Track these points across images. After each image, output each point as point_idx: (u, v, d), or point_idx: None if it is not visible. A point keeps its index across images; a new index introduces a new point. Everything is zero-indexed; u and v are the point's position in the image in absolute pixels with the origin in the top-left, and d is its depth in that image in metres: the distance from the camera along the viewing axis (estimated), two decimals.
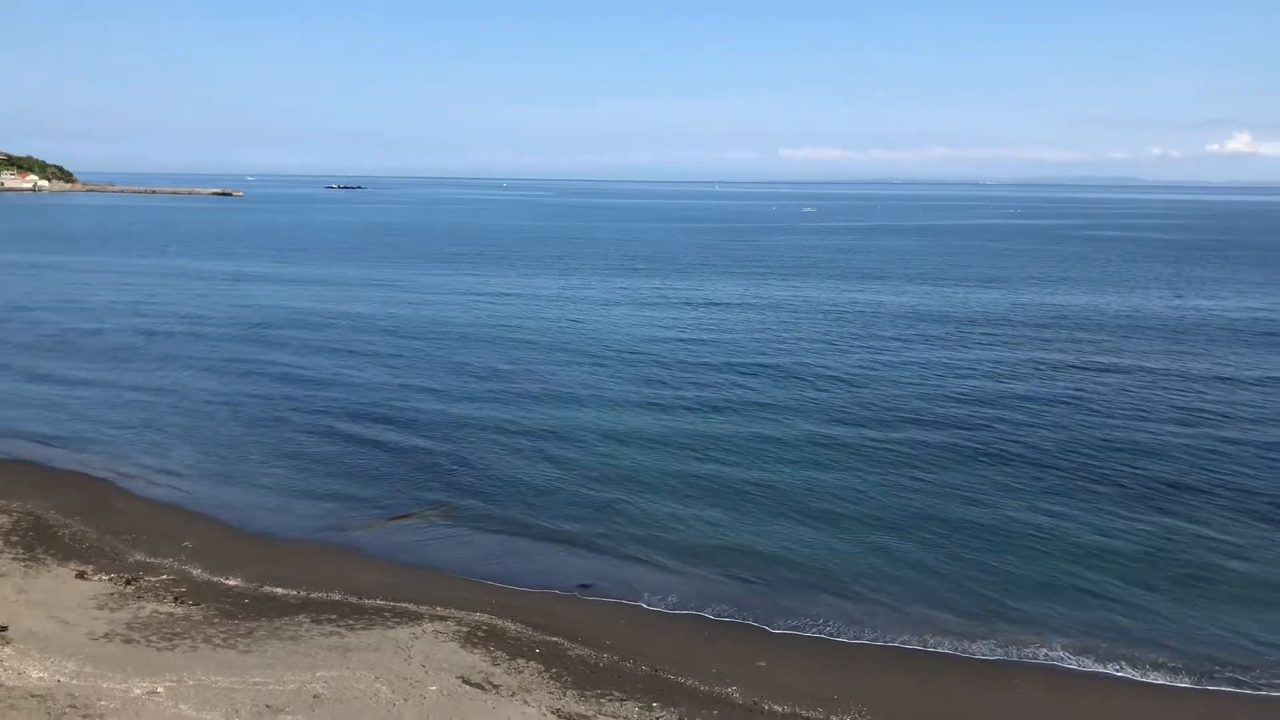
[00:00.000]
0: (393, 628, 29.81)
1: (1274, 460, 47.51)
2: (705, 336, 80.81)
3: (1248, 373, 67.35)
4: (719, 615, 32.31)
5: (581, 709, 25.23)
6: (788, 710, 25.96)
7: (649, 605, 33.01)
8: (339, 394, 60.72)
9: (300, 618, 30.44)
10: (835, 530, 39.11)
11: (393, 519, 40.76)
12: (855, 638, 30.95)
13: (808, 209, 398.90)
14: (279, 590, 32.87)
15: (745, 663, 28.82)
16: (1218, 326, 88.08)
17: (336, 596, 32.43)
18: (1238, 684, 28.16)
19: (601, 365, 68.86)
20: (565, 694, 26.08)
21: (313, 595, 32.49)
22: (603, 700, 25.85)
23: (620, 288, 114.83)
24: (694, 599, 33.60)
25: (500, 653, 28.47)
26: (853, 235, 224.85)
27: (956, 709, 26.41)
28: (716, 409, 56.75)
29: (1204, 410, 57.04)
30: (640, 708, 25.52)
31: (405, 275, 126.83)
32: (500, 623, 30.75)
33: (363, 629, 29.67)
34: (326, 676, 26.08)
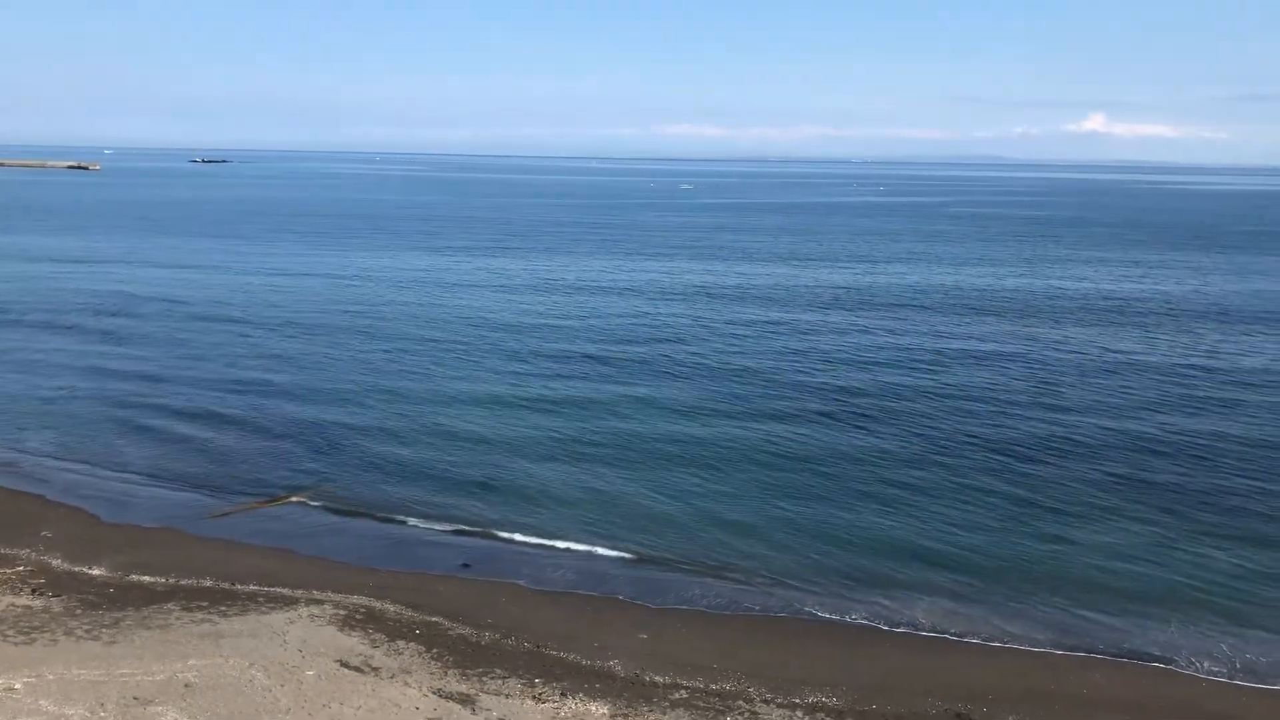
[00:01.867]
0: (267, 613, 29.15)
1: (1124, 433, 50.04)
2: (577, 316, 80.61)
3: (1101, 347, 70.72)
4: (600, 591, 32.54)
5: (463, 688, 25.15)
6: (669, 680, 26.36)
7: (530, 583, 33.04)
8: (204, 376, 58.81)
9: (170, 606, 29.51)
10: (712, 504, 39.73)
11: (265, 503, 39.78)
12: (733, 609, 31.57)
13: (686, 186, 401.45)
14: (146, 578, 31.79)
15: (627, 636, 29.13)
16: (1071, 302, 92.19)
17: (208, 583, 31.54)
18: (1093, 649, 29.69)
19: (472, 345, 68.26)
20: (447, 674, 25.95)
21: (182, 582, 31.53)
22: (485, 679, 25.81)
23: (492, 267, 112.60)
24: (575, 576, 33.77)
25: (379, 635, 28.14)
26: (729, 213, 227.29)
27: (827, 673, 27.18)
28: (590, 390, 56.83)
29: (1060, 384, 59.73)
30: (523, 684, 25.58)
31: (272, 253, 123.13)
32: (379, 604, 30.38)
33: (236, 615, 28.94)
34: (198, 665, 25.38)
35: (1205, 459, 45.19)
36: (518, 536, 36.75)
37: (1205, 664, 28.25)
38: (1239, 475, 43.08)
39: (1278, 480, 42.47)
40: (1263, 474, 43.21)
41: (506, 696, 24.90)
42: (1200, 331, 76.04)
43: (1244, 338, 73.81)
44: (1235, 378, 60.75)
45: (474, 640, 28.34)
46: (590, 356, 65.00)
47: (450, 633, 28.73)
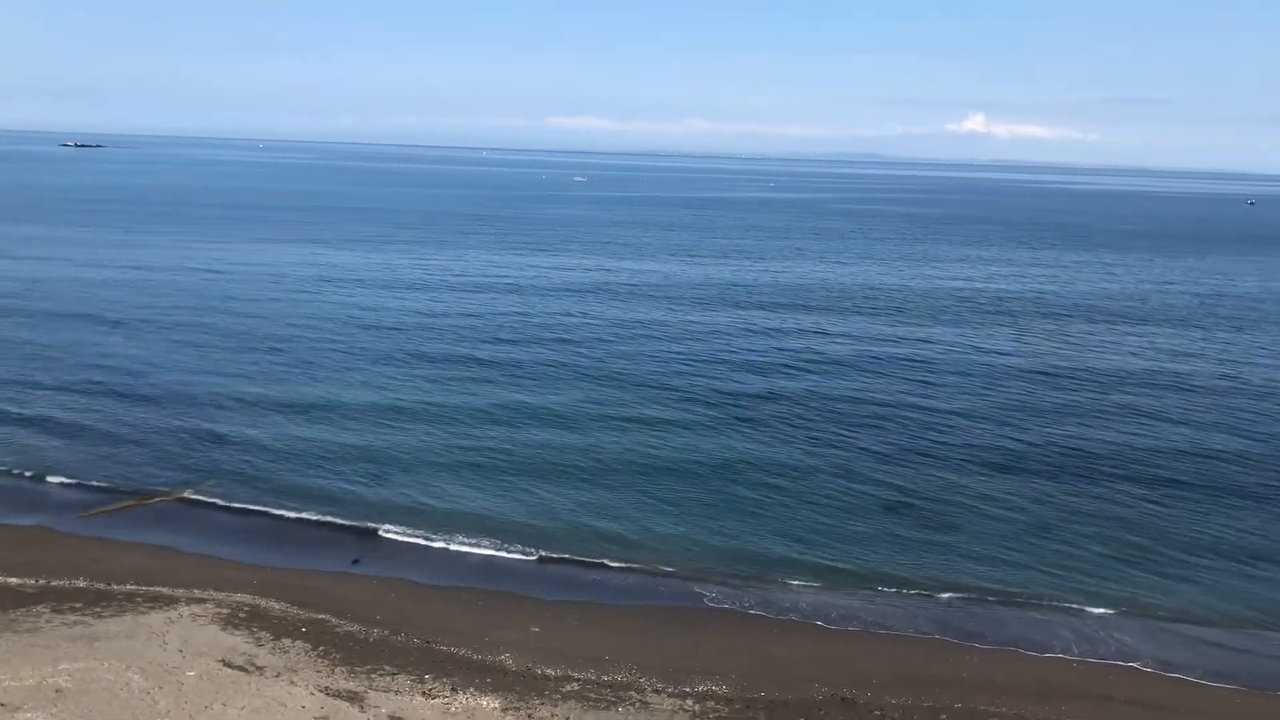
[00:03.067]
0: (146, 613, 28.24)
1: (996, 427, 51.88)
2: (465, 314, 79.55)
3: (976, 344, 73.17)
4: (492, 586, 32.42)
5: (351, 685, 24.79)
6: (561, 673, 26.44)
7: (421, 579, 32.72)
8: (75, 370, 56.56)
9: (39, 608, 28.35)
10: (602, 501, 39.89)
11: (144, 500, 38.46)
12: (625, 601, 31.81)
13: (578, 178, 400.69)
14: (13, 580, 30.45)
15: (518, 630, 29.10)
16: (949, 299, 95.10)
17: (81, 584, 30.38)
18: (970, 635, 30.79)
19: (358, 343, 66.76)
20: (334, 671, 25.54)
21: (53, 584, 30.30)
22: (374, 675, 25.49)
23: (378, 261, 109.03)
24: (467, 571, 33.60)
25: (264, 633, 27.53)
26: (621, 206, 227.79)
27: (717, 662, 27.59)
28: (478, 390, 56.06)
29: (935, 381, 61.62)
30: (413, 680, 25.34)
31: (147, 242, 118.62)
32: (264, 603, 29.71)
33: (112, 616, 27.95)
34: (71, 669, 24.45)
35: (1074, 451, 47.15)
36: (409, 533, 36.32)
37: (1073, 646, 29.57)
38: (1106, 466, 45.06)
39: (1140, 469, 44.58)
40: (1126, 464, 45.30)
41: (396, 693, 24.64)
42: (1070, 328, 79.26)
43: (1109, 334, 77.20)
44: (1103, 374, 63.50)
45: (363, 637, 27.95)
46: (478, 358, 64.51)
47: (338, 630, 28.27)
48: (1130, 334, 77.00)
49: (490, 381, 56.86)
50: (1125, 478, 43.29)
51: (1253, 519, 39.08)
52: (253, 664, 25.54)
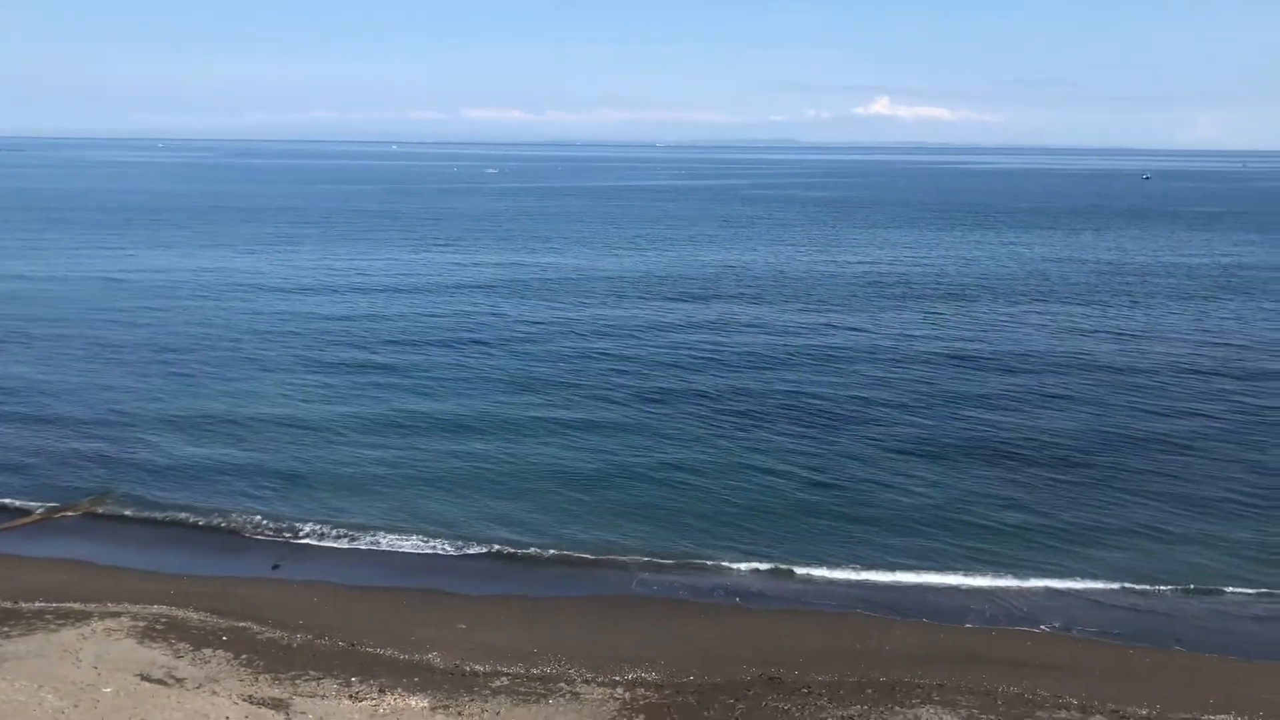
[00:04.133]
0: (57, 630, 27.40)
1: (908, 403, 52.99)
2: (376, 310, 77.64)
3: (884, 325, 74.58)
4: (417, 584, 32.17)
5: (276, 693, 24.40)
6: (489, 669, 26.36)
7: (344, 581, 32.31)
8: None
9: None
10: (522, 494, 39.72)
11: (50, 515, 37.28)
12: (552, 593, 31.83)
13: (491, 170, 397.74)
14: None
15: (445, 628, 28.94)
16: (857, 280, 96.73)
17: None
18: (893, 609, 31.48)
19: (268, 348, 64.88)
20: (258, 679, 25.10)
21: None
22: (298, 681, 25.12)
23: (283, 261, 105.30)
24: (390, 571, 33.30)
25: (183, 644, 26.92)
26: (533, 197, 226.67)
27: (646, 648, 27.77)
28: (386, 388, 54.96)
29: (847, 360, 62.69)
30: (339, 684, 25.03)
31: (33, 250, 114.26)
32: (182, 613, 29.05)
33: (20, 635, 27.06)
34: None
35: (981, 428, 48.37)
36: (330, 535, 35.85)
37: (988, 615, 30.45)
38: (1012, 442, 46.32)
39: (1044, 445, 45.93)
40: (1031, 440, 46.62)
41: (322, 698, 24.32)
42: (975, 307, 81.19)
43: (1012, 312, 79.28)
44: (1007, 352, 65.22)
45: (286, 643, 27.51)
46: (386, 364, 63.66)
47: (260, 637, 27.79)
48: (1032, 311, 79.04)
49: (400, 386, 55.20)
50: (1030, 453, 44.52)
51: (1149, 488, 40.47)
52: (172, 676, 24.98)
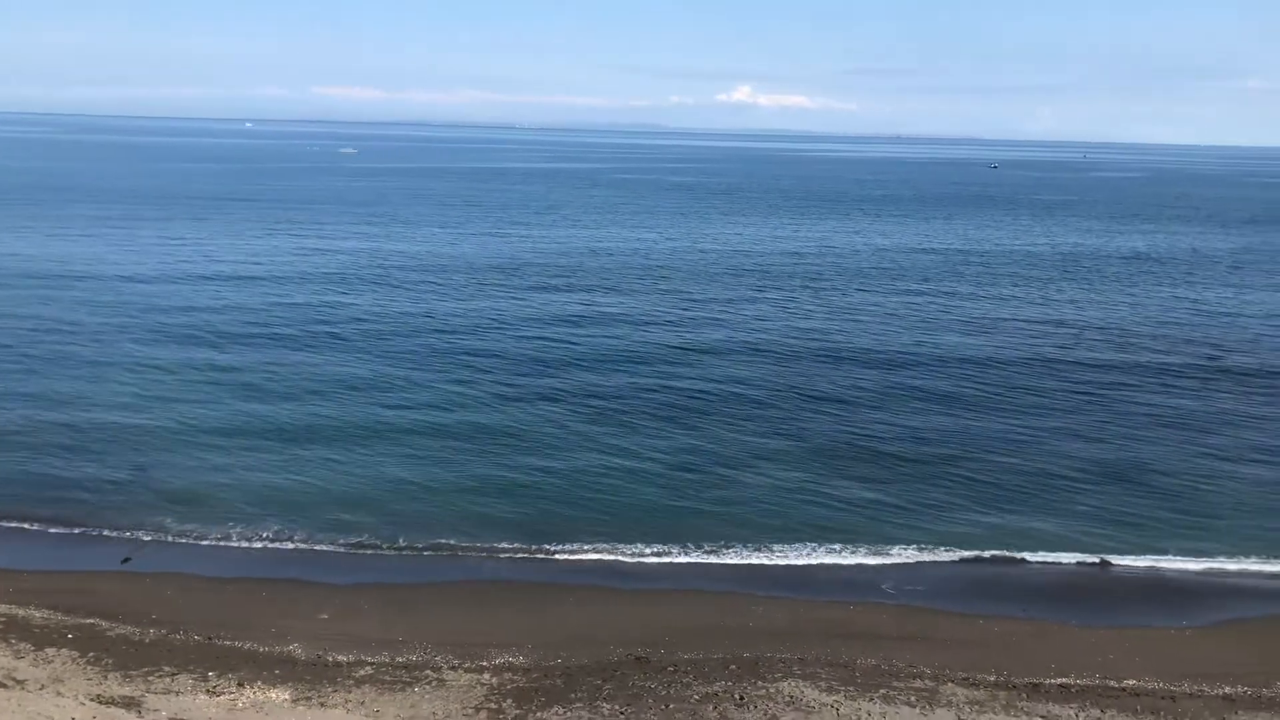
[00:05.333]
0: None
1: (771, 384, 54.22)
2: (222, 297, 73.90)
3: (743, 310, 75.97)
4: (277, 574, 31.34)
5: (127, 690, 23.46)
6: (353, 658, 25.92)
7: (200, 572, 31.23)
8: None
9: None
10: (384, 480, 39.10)
11: None
12: (417, 579, 31.43)
13: (347, 150, 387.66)
14: None
15: (307, 618, 28.31)
16: (718, 266, 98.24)
17: None
18: (754, 585, 32.21)
19: (102, 339, 61.47)
20: (106, 678, 24.09)
21: None
22: (151, 678, 24.21)
23: (120, 248, 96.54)
24: (249, 560, 32.36)
25: (25, 644, 25.61)
26: (393, 178, 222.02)
27: (513, 633, 27.78)
28: (231, 377, 52.52)
29: (706, 344, 63.70)
30: (195, 679, 24.23)
31: None
32: (23, 611, 27.61)
33: None
34: None
35: (840, 408, 49.84)
36: (184, 526, 34.50)
37: (850, 590, 31.48)
38: (872, 422, 47.89)
39: (902, 422, 47.64)
40: (890, 419, 48.30)
41: (177, 694, 23.50)
42: (831, 293, 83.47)
43: (867, 297, 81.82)
44: (863, 335, 67.31)
45: (137, 639, 26.47)
46: (251, 338, 61.77)
47: (109, 633, 26.66)
48: (884, 297, 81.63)
49: (248, 379, 52.37)
50: (884, 435, 46.07)
51: (995, 465, 42.41)
52: (12, 678, 23.73)
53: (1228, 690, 25.26)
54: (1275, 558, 34.12)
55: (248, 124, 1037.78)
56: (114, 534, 33.94)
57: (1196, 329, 69.69)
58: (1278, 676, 26.17)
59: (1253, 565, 33.68)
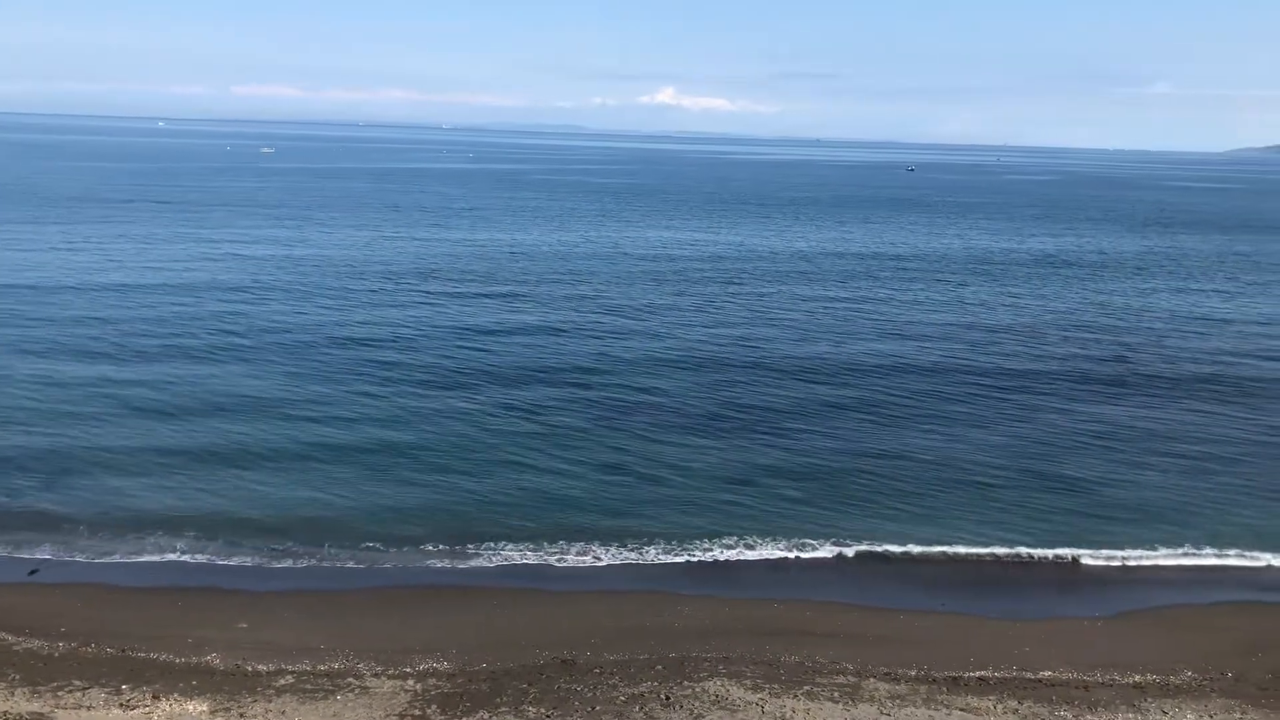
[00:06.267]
0: None
1: (688, 380, 54.53)
2: (127, 303, 71.25)
3: (654, 309, 76.31)
4: (194, 583, 30.60)
5: (35, 706, 22.71)
6: (274, 667, 25.43)
7: (112, 581, 30.33)
8: None
9: None
10: (298, 483, 38.48)
11: None
12: (338, 586, 30.94)
13: (266, 150, 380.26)
14: None
15: (226, 627, 27.70)
16: (635, 266, 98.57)
17: None
18: (679, 586, 32.34)
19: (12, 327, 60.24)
20: (14, 694, 23.29)
21: None
22: (61, 692, 23.46)
23: (12, 253, 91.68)
24: (163, 569, 31.53)
25: None
26: (310, 179, 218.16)
27: (437, 638, 27.52)
28: (139, 380, 51.06)
29: (621, 339, 63.87)
30: (108, 693, 23.55)
31: None
32: None
33: None
34: None
35: (762, 408, 50.31)
36: (94, 535, 33.48)
37: (774, 588, 31.80)
38: (792, 421, 48.43)
39: (820, 421, 48.26)
40: (809, 418, 48.91)
41: (89, 708, 22.82)
42: (749, 292, 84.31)
43: (784, 297, 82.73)
44: (781, 335, 68.09)
45: (46, 652, 25.62)
46: (164, 342, 60.21)
47: (16, 648, 25.76)
48: (804, 301, 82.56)
49: (156, 399, 51.11)
50: (809, 432, 46.64)
51: (915, 462, 43.23)
52: None
53: (1137, 678, 26.07)
54: (1178, 547, 35.32)
55: (160, 123, 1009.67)
56: (17, 547, 32.72)
57: (1105, 329, 71.74)
58: (1183, 664, 27.10)
59: (1158, 558, 34.81)
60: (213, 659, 25.78)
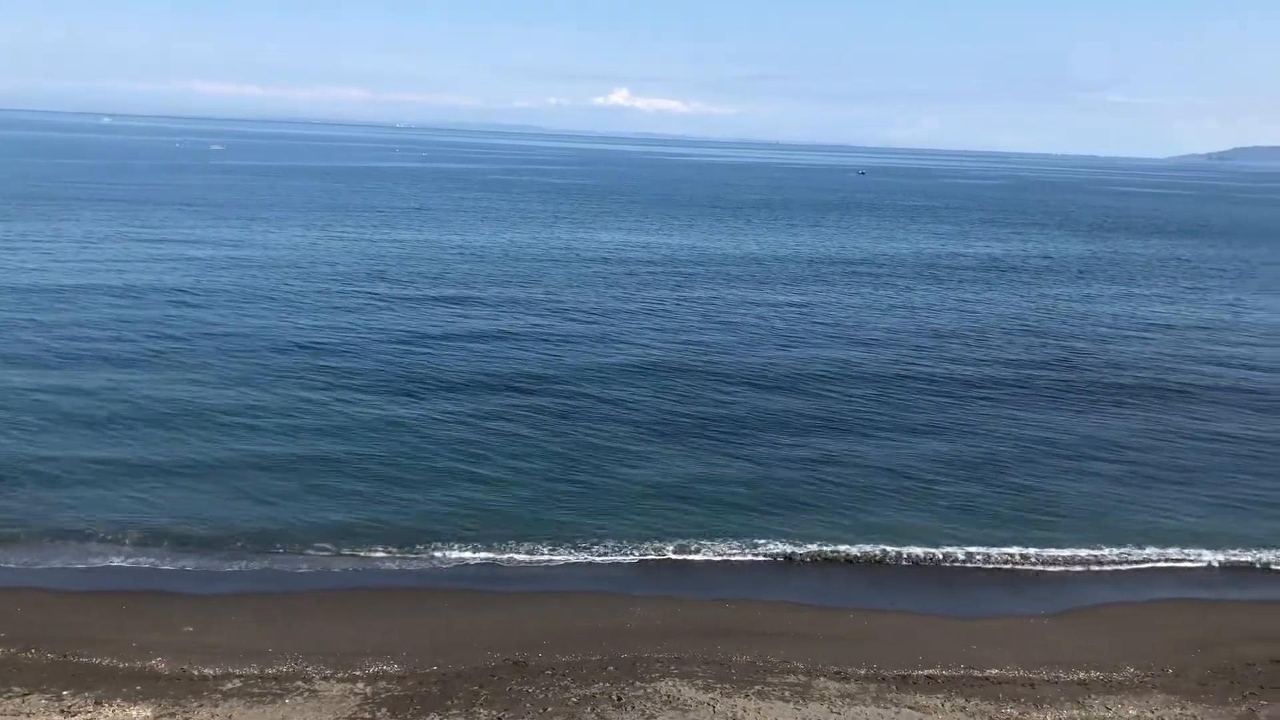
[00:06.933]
0: None
1: (645, 382, 54.63)
2: (60, 300, 69.72)
3: (611, 311, 76.40)
4: (137, 586, 30.10)
5: None
6: (220, 671, 25.09)
7: (51, 585, 29.75)
8: None
9: None
10: (241, 493, 37.56)
11: None
12: (286, 588, 30.59)
13: (216, 147, 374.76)
14: None
15: (171, 631, 27.28)
16: (586, 267, 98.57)
17: None
18: (632, 587, 32.40)
19: None
20: None
21: None
22: None
23: None
24: (105, 573, 30.97)
25: None
26: (260, 177, 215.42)
27: (387, 640, 27.32)
28: (75, 389, 48.93)
29: (577, 342, 63.87)
30: (48, 700, 23.09)
31: None
32: None
33: None
34: None
35: (715, 408, 50.53)
36: (31, 538, 32.76)
37: (724, 589, 31.91)
38: (744, 421, 48.69)
39: (772, 420, 48.57)
40: (761, 418, 49.18)
41: (28, 715, 22.37)
42: (701, 294, 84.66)
43: (735, 299, 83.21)
44: (733, 336, 68.46)
45: None
46: (108, 342, 59.09)
47: None
48: (756, 305, 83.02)
49: (94, 407, 50.20)
50: (759, 433, 46.91)
51: (863, 461, 43.64)
52: None
53: (1082, 676, 26.52)
54: (1120, 547, 35.97)
55: (105, 119, 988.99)
56: None
57: (1049, 334, 72.87)
58: (1126, 660, 27.62)
59: (1101, 557, 35.43)
60: (157, 663, 25.39)
